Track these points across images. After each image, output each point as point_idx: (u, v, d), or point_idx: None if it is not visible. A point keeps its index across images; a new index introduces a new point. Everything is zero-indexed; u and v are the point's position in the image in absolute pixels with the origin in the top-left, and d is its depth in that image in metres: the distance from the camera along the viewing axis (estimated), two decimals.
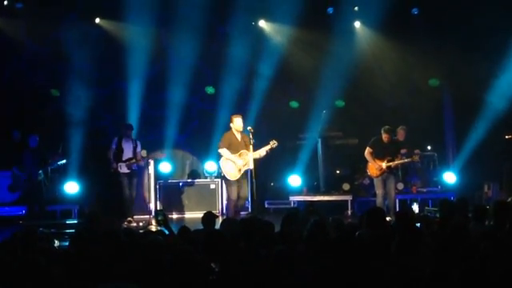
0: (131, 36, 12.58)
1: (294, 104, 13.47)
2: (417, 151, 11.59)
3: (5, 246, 5.19)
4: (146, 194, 11.71)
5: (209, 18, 12.22)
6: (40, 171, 11.31)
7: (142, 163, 11.15)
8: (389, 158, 10.71)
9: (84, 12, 12.42)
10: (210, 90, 13.30)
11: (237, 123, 10.20)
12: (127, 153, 11.02)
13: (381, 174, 10.74)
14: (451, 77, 12.89)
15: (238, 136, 10.23)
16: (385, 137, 10.72)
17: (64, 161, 11.70)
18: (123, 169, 10.95)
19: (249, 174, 10.16)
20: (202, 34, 12.44)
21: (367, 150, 10.84)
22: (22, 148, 11.60)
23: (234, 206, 10.26)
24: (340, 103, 13.29)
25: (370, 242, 4.95)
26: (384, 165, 10.67)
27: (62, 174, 12.22)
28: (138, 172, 11.28)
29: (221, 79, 13.05)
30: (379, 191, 10.74)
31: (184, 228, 6.31)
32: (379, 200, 10.73)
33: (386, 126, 10.78)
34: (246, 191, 10.41)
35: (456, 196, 11.22)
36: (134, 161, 10.97)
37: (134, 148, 11.06)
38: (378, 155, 10.75)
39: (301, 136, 13.14)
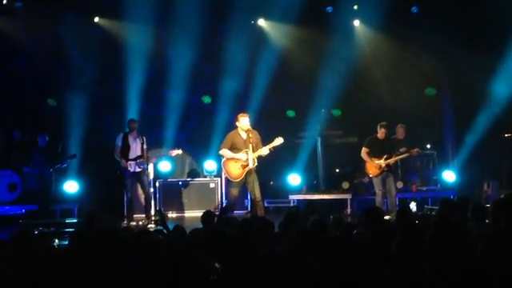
0: (130, 35, 12.56)
1: (291, 113, 13.40)
2: (416, 149, 11.58)
3: (2, 246, 5.18)
4: None
5: (208, 17, 12.21)
6: (51, 169, 11.26)
7: (153, 160, 10.95)
8: (386, 155, 10.72)
9: (83, 11, 12.41)
10: (206, 99, 13.26)
11: (243, 122, 10.04)
12: (134, 150, 10.69)
13: (380, 173, 10.73)
14: (451, 75, 12.88)
15: (244, 135, 10.06)
16: (381, 132, 10.74)
17: (75, 157, 11.64)
18: (133, 167, 10.69)
19: (253, 173, 10.01)
20: (202, 33, 12.41)
21: (363, 150, 10.84)
22: (31, 147, 11.58)
23: (233, 205, 10.20)
24: (336, 112, 13.27)
25: (370, 241, 4.95)
26: (383, 162, 10.67)
27: (61, 174, 12.19)
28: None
29: (220, 78, 13.03)
30: (378, 191, 10.74)
31: (177, 227, 6.31)
32: (378, 199, 10.72)
33: (383, 122, 10.79)
34: (257, 191, 9.97)
35: (456, 194, 11.23)
36: (143, 159, 10.65)
37: (142, 145, 10.70)
38: (375, 154, 10.75)
39: (300, 135, 13.13)
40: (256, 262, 4.54)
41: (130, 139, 10.78)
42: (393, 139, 11.35)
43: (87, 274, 4.40)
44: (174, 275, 4.14)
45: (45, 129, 11.69)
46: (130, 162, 10.69)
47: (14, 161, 12.11)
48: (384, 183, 10.75)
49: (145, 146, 10.70)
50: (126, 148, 10.74)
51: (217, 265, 4.39)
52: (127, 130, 10.90)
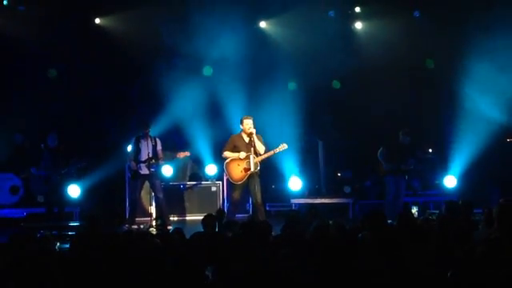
0: (130, 36, 12.56)
1: (292, 86, 13.36)
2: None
3: (2, 249, 5.19)
4: (147, 197, 11.64)
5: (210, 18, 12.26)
6: (63, 171, 11.10)
7: (161, 162, 10.80)
8: (402, 159, 10.68)
9: (85, 12, 12.44)
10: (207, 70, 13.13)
11: (246, 125, 10.03)
12: (144, 153, 10.61)
13: (392, 175, 10.70)
14: (452, 77, 12.86)
15: (247, 139, 10.05)
16: (402, 138, 10.74)
17: (84, 163, 11.54)
18: (143, 170, 10.64)
19: (255, 177, 9.97)
20: (203, 33, 12.45)
21: (379, 152, 10.83)
22: (39, 148, 11.37)
23: (234, 208, 10.21)
24: (336, 84, 13.26)
25: (372, 245, 4.95)
26: (400, 166, 10.66)
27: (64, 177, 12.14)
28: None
29: (223, 81, 13.03)
30: (390, 190, 10.71)
31: (177, 230, 6.33)
32: (389, 198, 10.68)
33: (405, 128, 10.82)
34: (258, 196, 9.95)
35: (458, 199, 11.19)
36: (153, 161, 10.57)
37: (154, 147, 10.66)
38: (392, 157, 10.72)
39: (302, 138, 13.11)
40: (256, 265, 4.53)
41: (142, 142, 10.74)
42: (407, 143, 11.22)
43: (88, 278, 4.40)
44: (174, 278, 4.14)
45: (52, 128, 11.54)
46: (140, 165, 10.67)
47: (15, 164, 12.09)
48: (397, 185, 10.72)
49: (158, 148, 10.73)
50: (137, 151, 10.73)
51: (207, 272, 4.39)
52: (140, 133, 10.84)
